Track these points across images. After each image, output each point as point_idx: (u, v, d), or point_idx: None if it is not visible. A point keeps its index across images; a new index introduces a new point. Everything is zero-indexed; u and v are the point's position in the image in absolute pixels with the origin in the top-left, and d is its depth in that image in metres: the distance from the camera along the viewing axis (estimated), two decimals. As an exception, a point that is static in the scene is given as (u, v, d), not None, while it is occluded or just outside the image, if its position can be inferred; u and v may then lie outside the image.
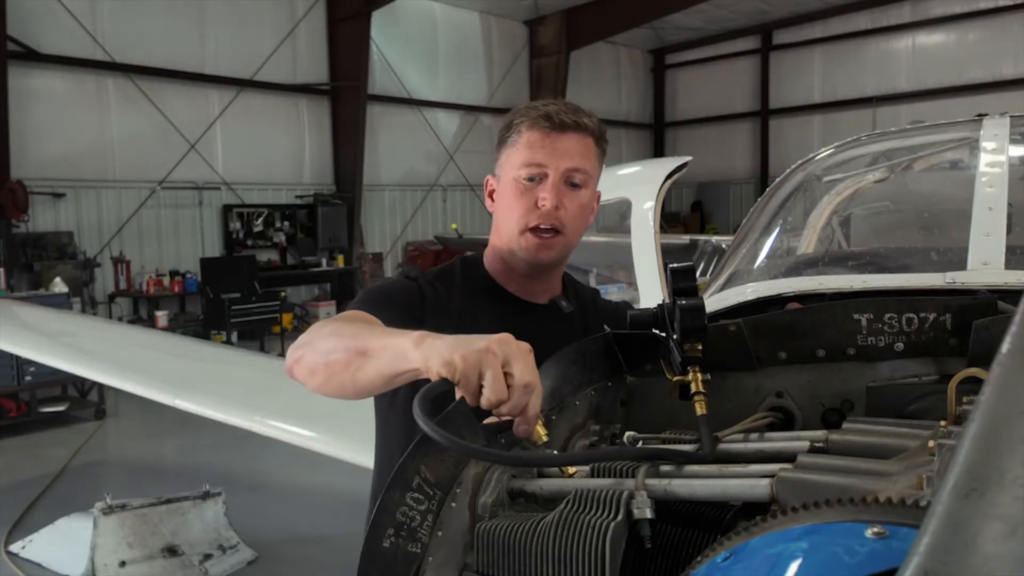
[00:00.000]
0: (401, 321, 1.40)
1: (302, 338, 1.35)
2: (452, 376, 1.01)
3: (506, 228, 1.62)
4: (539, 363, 1.38)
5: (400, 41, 17.24)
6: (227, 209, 14.59)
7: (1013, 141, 2.15)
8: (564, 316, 1.70)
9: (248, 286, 12.52)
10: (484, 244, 1.78)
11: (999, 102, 15.62)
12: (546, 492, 1.02)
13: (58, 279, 10.41)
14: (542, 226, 1.57)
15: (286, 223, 15.36)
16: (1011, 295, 1.37)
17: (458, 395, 1.00)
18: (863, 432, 1.01)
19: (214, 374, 4.38)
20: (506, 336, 1.05)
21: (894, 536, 0.62)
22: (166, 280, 13.11)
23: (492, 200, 1.68)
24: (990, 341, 1.12)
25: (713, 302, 2.04)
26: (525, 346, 1.06)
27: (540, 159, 1.55)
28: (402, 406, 1.52)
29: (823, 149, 2.85)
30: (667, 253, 3.77)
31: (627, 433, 1.17)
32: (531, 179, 1.56)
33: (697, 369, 1.20)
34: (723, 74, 22.88)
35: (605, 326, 1.50)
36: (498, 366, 1.00)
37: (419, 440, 0.95)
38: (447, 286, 1.65)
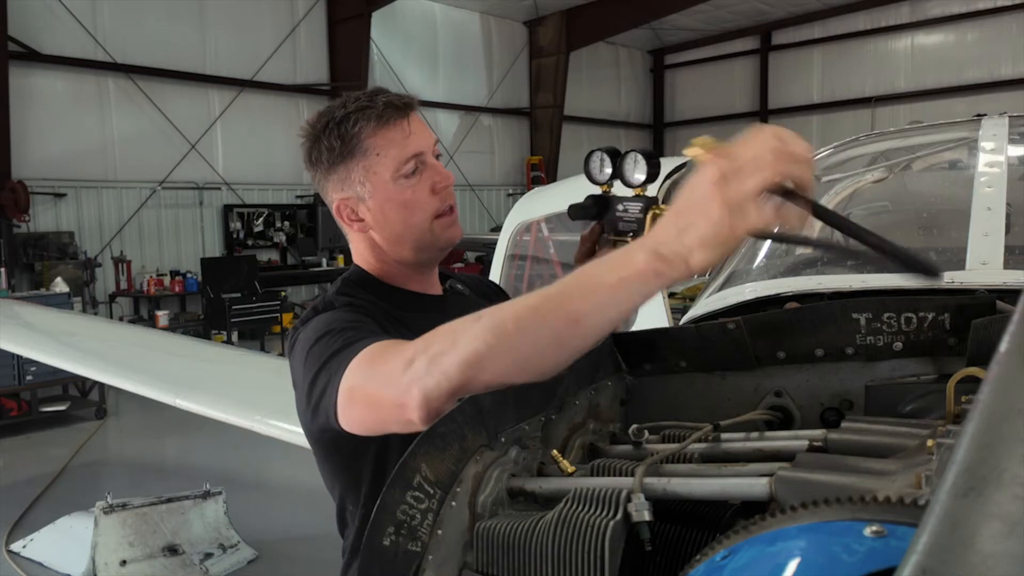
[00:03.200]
0: (381, 327, 1.39)
1: (416, 378, 1.02)
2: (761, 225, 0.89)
3: (411, 231, 1.51)
4: None
5: (400, 41, 17.24)
6: (227, 209, 14.59)
7: (1011, 141, 2.15)
8: (465, 298, 1.67)
9: (248, 286, 12.52)
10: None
11: (997, 102, 15.63)
12: (545, 491, 1.02)
13: (59, 279, 10.41)
14: (445, 207, 1.52)
15: (286, 223, 15.36)
16: (1009, 294, 1.37)
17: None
18: (862, 431, 1.01)
19: (215, 374, 4.38)
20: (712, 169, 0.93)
21: (893, 535, 0.62)
22: (167, 280, 13.11)
23: (360, 220, 1.52)
24: (989, 340, 1.13)
25: (712, 302, 2.05)
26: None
27: (412, 149, 1.48)
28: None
29: (822, 149, 2.85)
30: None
31: (632, 426, 1.18)
32: (411, 173, 1.48)
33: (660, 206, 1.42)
34: (722, 74, 22.87)
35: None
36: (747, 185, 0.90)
37: (421, 438, 0.95)
38: (363, 301, 1.51)
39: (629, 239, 1.44)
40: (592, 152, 1.51)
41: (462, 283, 1.74)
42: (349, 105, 1.49)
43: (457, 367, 0.98)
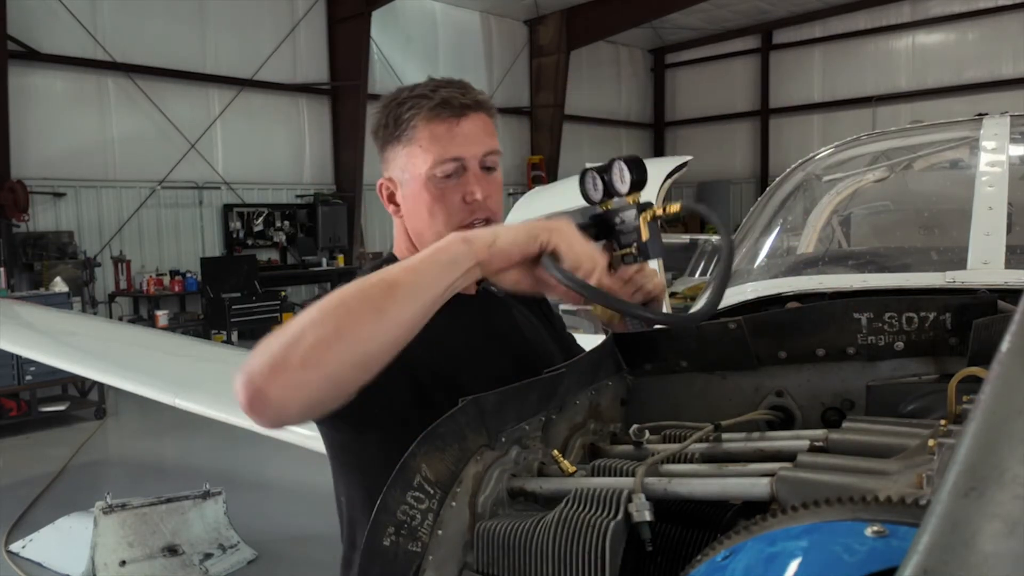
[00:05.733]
0: None
1: (255, 355, 1.07)
2: (545, 247, 1.15)
3: (431, 231, 1.46)
4: (486, 353, 1.44)
5: (400, 41, 17.25)
6: (227, 209, 14.60)
7: (1013, 140, 2.15)
8: (500, 300, 1.60)
9: (248, 286, 12.53)
10: None
11: (999, 101, 15.62)
12: (546, 491, 1.02)
13: (58, 279, 10.41)
14: (476, 221, 1.45)
15: (286, 223, 15.37)
16: (1011, 294, 1.37)
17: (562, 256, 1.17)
18: (863, 431, 1.01)
19: (214, 374, 4.38)
20: (559, 225, 1.18)
21: (894, 535, 0.62)
22: (166, 280, 13.12)
23: (395, 205, 1.52)
24: (990, 340, 1.12)
25: (713, 301, 2.04)
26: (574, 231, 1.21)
27: (454, 152, 1.42)
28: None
29: (823, 149, 2.85)
30: (667, 253, 3.76)
31: (633, 426, 1.17)
32: (448, 176, 1.43)
33: (654, 208, 1.39)
34: (723, 74, 22.87)
35: (606, 329, 1.50)
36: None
37: (422, 438, 0.95)
38: None
39: (633, 250, 1.40)
40: (584, 172, 1.46)
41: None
42: (416, 90, 1.47)
43: (278, 346, 1.03)
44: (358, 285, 1.08)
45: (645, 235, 1.38)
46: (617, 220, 1.41)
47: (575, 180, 1.57)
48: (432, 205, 1.45)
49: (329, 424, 1.39)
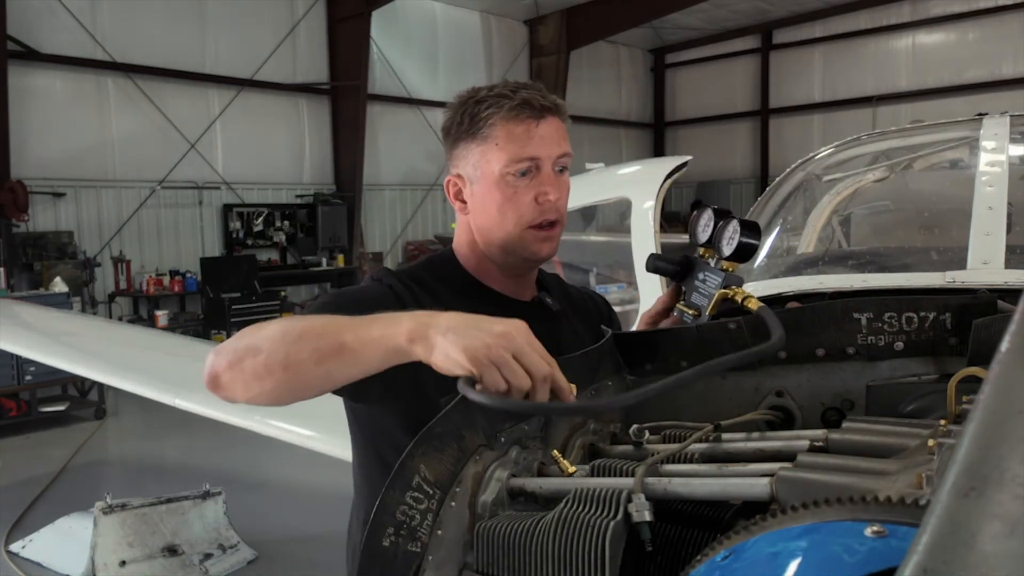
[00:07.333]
0: None
1: (230, 341, 1.21)
2: (469, 374, 1.01)
3: (500, 230, 1.49)
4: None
5: (400, 41, 17.25)
6: (227, 208, 14.58)
7: (1013, 140, 2.15)
8: (552, 314, 1.60)
9: (248, 286, 12.52)
10: None
11: (999, 101, 15.61)
12: (546, 491, 1.02)
13: (58, 279, 10.41)
14: (544, 221, 1.47)
15: (286, 223, 15.36)
16: (1011, 294, 1.37)
17: (478, 388, 0.99)
18: (863, 431, 1.01)
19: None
20: (507, 330, 1.04)
21: (893, 535, 0.62)
22: (166, 280, 13.09)
23: (462, 202, 1.54)
24: (990, 340, 1.12)
25: (713, 301, 2.04)
26: (528, 334, 1.06)
27: (532, 152, 1.44)
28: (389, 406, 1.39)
29: (823, 148, 2.85)
30: (667, 252, 3.76)
31: (633, 426, 1.18)
32: (522, 175, 1.45)
33: (737, 289, 1.29)
34: (723, 73, 22.86)
35: (604, 327, 1.50)
36: (511, 359, 1.01)
37: (419, 438, 0.95)
38: (424, 288, 1.49)
39: (692, 314, 1.33)
40: (702, 209, 1.41)
41: (563, 298, 1.67)
42: (494, 89, 1.49)
43: (244, 347, 1.17)
44: (321, 326, 1.14)
45: (712, 310, 1.32)
46: (700, 276, 1.35)
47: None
48: (503, 204, 1.47)
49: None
